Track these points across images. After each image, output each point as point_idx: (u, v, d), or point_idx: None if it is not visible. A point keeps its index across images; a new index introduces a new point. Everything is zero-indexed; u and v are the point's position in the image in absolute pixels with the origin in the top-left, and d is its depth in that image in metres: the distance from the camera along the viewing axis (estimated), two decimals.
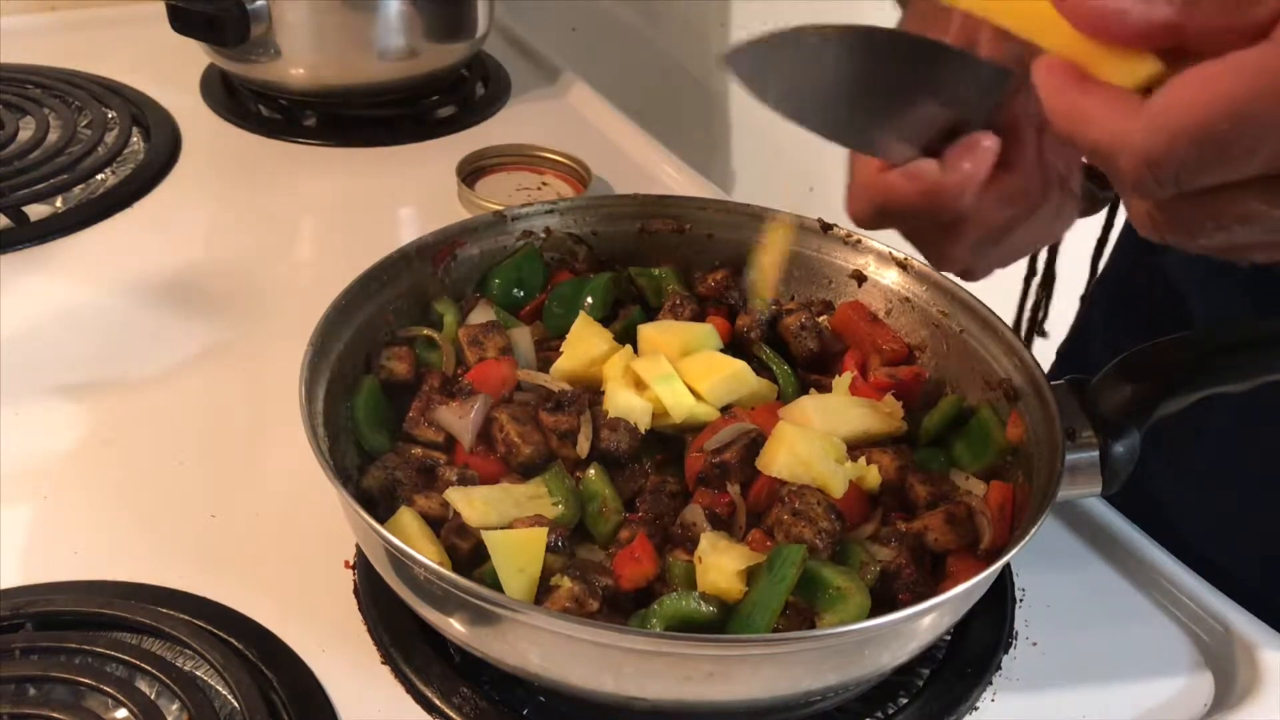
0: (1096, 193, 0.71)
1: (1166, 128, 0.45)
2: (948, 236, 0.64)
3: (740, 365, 0.79)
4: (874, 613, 0.65)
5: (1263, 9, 0.45)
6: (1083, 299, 1.18)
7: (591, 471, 0.74)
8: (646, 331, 0.83)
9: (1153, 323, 0.94)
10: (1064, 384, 0.74)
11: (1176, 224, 0.50)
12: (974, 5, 0.56)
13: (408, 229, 1.16)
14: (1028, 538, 0.64)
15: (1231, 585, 0.79)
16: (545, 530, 0.68)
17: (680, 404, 0.76)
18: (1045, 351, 1.23)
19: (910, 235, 0.66)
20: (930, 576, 0.71)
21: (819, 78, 0.58)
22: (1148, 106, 0.46)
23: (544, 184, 1.19)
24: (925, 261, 0.84)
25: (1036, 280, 1.21)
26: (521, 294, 0.88)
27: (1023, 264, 1.28)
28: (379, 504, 0.73)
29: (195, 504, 0.81)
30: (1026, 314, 1.25)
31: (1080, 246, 1.22)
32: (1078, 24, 0.49)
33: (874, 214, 0.63)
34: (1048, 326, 1.29)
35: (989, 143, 0.60)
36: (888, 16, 0.69)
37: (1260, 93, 0.44)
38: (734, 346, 0.85)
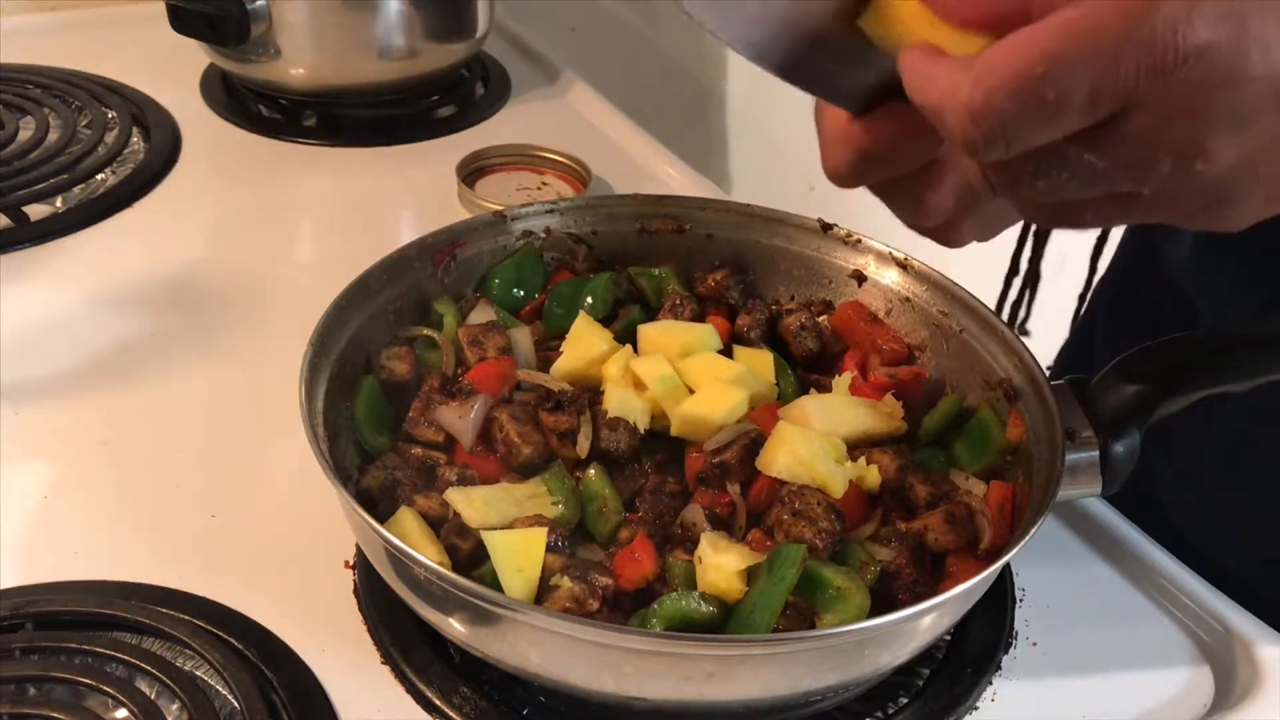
0: None
1: (986, 81, 0.47)
2: (926, 183, 0.63)
3: (742, 369, 0.79)
4: (874, 613, 0.65)
5: None
6: (1082, 298, 1.18)
7: (591, 471, 0.74)
8: (646, 331, 0.83)
9: (1155, 323, 0.94)
10: (1064, 384, 0.74)
11: (1003, 178, 0.52)
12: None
13: (408, 229, 1.16)
14: (1028, 538, 0.64)
15: (1232, 585, 0.79)
16: (545, 530, 0.68)
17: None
18: (1046, 351, 1.23)
19: (888, 189, 0.64)
20: (930, 576, 0.71)
21: (778, 15, 0.56)
22: (972, 62, 0.48)
23: (544, 184, 1.19)
24: (925, 262, 0.84)
25: (1019, 279, 1.21)
26: (521, 294, 0.88)
27: (1005, 262, 1.27)
28: (379, 504, 0.73)
29: (195, 504, 0.81)
30: (1006, 312, 1.25)
31: (1081, 246, 1.22)
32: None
33: (852, 165, 0.61)
34: (1047, 327, 1.29)
35: None
36: None
37: (1069, 43, 0.46)
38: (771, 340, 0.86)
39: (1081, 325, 1.13)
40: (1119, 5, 0.45)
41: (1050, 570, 0.80)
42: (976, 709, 0.72)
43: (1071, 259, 1.22)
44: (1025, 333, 1.24)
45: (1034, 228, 1.20)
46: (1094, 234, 1.13)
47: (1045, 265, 1.25)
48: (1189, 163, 0.48)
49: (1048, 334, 1.25)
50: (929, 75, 0.50)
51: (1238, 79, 0.46)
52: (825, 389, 0.83)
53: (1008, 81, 0.47)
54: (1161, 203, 0.51)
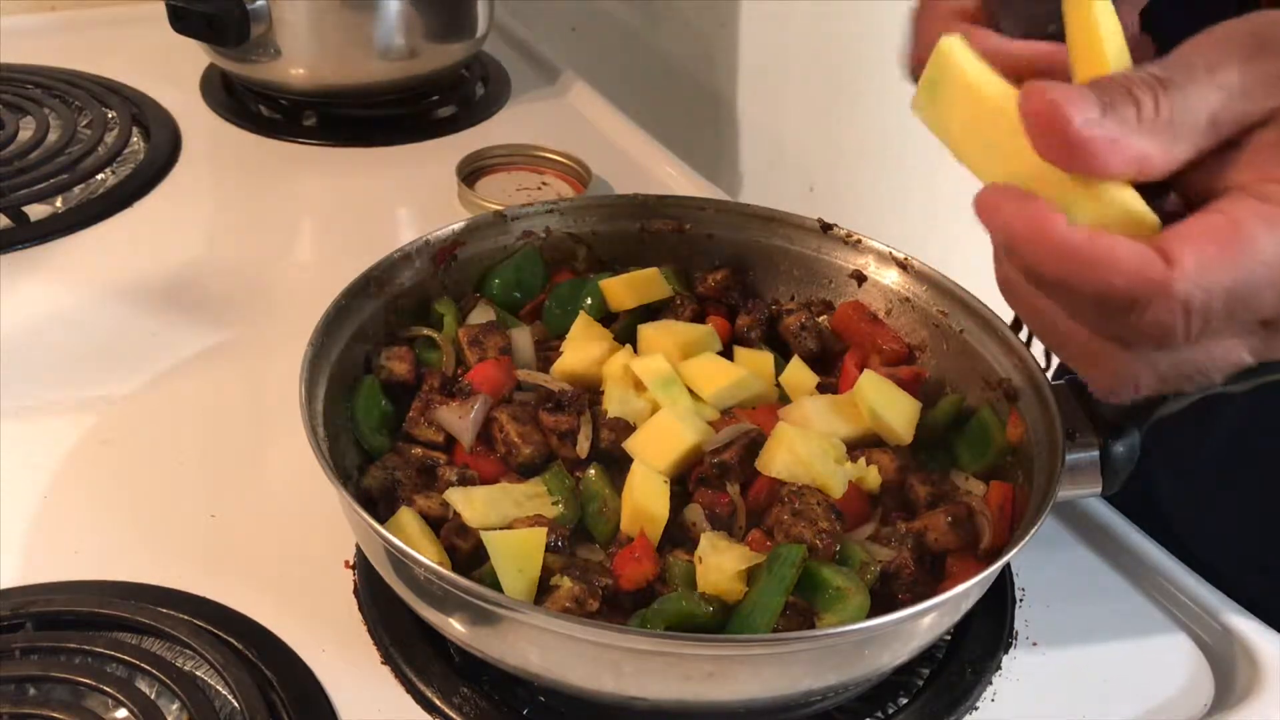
0: None
1: (1205, 282, 0.47)
2: None
3: (743, 373, 0.79)
4: (874, 613, 0.65)
5: None
6: None
7: (591, 471, 0.74)
8: (646, 331, 0.83)
9: None
10: (1064, 384, 0.74)
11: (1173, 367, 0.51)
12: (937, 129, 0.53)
13: (408, 229, 1.16)
14: (1028, 538, 0.64)
15: (1231, 586, 0.79)
16: (545, 530, 0.68)
17: (679, 407, 0.76)
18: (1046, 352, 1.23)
19: None
20: (930, 576, 0.71)
21: None
22: (1181, 259, 0.47)
23: (544, 184, 1.19)
24: (925, 262, 0.84)
25: None
26: (521, 294, 0.88)
27: None
28: (379, 504, 0.73)
29: (195, 504, 0.81)
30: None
31: None
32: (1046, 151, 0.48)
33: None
34: None
35: None
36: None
37: None
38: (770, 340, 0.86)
39: None
40: None
41: (1050, 570, 0.80)
42: (976, 709, 0.72)
43: None
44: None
45: None
46: None
47: None
48: None
49: None
50: (1108, 249, 0.47)
51: None
52: (825, 389, 0.83)
53: (1227, 287, 0.47)
54: None
